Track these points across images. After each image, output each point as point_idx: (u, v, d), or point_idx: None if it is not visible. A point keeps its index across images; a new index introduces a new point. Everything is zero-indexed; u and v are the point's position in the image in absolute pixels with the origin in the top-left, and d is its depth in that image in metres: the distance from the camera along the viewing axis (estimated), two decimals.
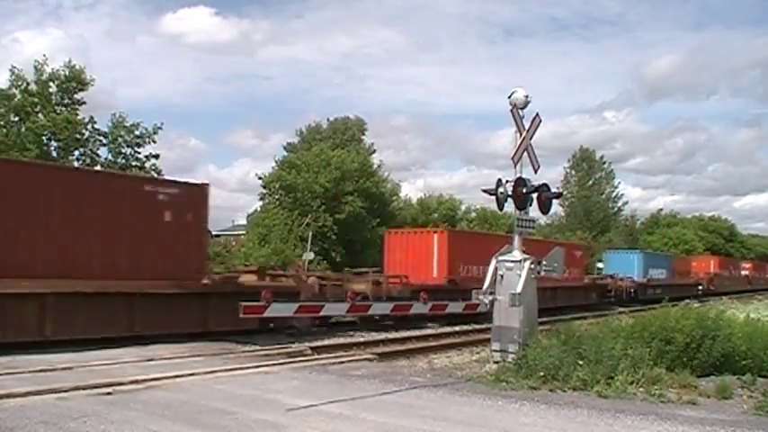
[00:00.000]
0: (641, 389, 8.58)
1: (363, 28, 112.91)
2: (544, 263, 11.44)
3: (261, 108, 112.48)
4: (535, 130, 11.69)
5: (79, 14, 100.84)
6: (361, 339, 15.62)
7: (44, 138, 25.10)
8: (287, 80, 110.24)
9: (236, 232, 61.34)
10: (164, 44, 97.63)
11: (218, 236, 64.75)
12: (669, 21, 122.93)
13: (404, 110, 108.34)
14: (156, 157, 27.67)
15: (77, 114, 26.29)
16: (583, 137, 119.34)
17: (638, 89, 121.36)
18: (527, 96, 11.39)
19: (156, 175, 26.96)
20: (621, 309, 28.84)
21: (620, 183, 74.88)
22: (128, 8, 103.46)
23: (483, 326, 16.69)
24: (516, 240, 11.32)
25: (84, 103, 26.92)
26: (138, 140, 27.15)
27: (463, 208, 55.44)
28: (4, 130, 24.53)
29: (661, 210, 76.36)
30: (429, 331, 18.17)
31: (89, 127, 26.31)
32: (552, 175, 76.31)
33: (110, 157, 26.83)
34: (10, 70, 25.12)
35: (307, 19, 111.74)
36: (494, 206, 12.21)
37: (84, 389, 7.91)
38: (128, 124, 27.08)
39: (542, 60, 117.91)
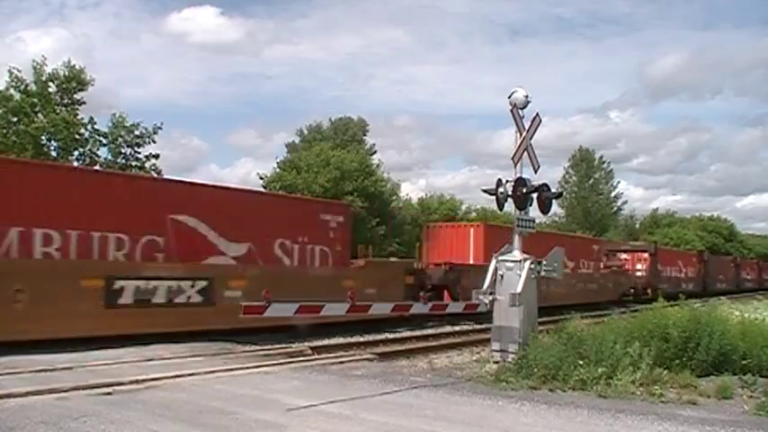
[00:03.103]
0: (641, 389, 8.56)
1: (368, 27, 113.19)
2: (544, 263, 11.43)
3: (264, 108, 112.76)
4: (535, 130, 11.68)
5: (83, 13, 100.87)
6: (361, 339, 15.63)
7: (43, 138, 25.10)
8: (291, 80, 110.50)
9: None
10: (168, 44, 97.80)
11: None
12: (675, 20, 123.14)
13: (407, 109, 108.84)
14: (156, 156, 27.72)
15: (77, 114, 26.29)
16: (586, 136, 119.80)
17: (643, 89, 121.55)
18: (527, 96, 11.37)
19: (155, 175, 26.96)
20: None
21: (619, 182, 75.17)
22: (132, 7, 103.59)
23: (483, 326, 16.67)
24: (516, 240, 11.32)
25: (84, 103, 26.94)
26: (137, 140, 27.18)
27: (464, 208, 55.62)
28: (3, 131, 24.52)
29: (656, 209, 76.53)
30: (429, 331, 18.18)
31: (89, 127, 26.33)
32: (556, 174, 76.33)
33: (110, 157, 26.85)
34: (8, 71, 25.13)
35: (312, 18, 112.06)
36: (494, 206, 12.20)
37: (84, 389, 7.90)
38: (127, 124, 27.10)
39: (547, 60, 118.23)
